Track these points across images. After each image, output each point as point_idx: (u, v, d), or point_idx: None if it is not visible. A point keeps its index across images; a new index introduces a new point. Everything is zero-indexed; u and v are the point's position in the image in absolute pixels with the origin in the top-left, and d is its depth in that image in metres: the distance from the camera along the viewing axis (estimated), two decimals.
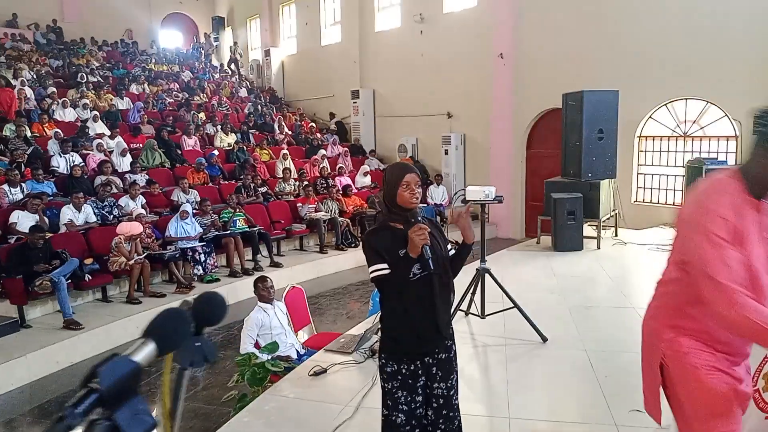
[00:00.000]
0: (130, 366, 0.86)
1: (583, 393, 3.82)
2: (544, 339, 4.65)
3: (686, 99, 9.44)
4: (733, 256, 1.77)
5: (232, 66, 20.27)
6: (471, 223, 2.42)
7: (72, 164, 9.14)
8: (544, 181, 8.80)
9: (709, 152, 9.24)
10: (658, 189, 10.08)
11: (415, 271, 2.28)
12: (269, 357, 4.30)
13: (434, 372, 2.39)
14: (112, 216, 8.22)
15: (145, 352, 0.92)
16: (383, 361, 2.40)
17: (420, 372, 2.36)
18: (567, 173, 8.44)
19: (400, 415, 2.34)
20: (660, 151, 10.02)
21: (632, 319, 5.21)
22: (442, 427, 2.40)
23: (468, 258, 2.50)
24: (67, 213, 7.63)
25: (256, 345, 4.64)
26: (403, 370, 2.34)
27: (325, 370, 4.14)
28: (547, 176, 9.33)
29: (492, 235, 12.03)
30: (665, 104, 9.71)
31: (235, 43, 21.44)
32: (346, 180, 11.75)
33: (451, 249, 2.47)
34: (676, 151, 9.79)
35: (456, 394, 2.45)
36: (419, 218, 2.27)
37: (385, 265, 2.27)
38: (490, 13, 11.89)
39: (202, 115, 13.73)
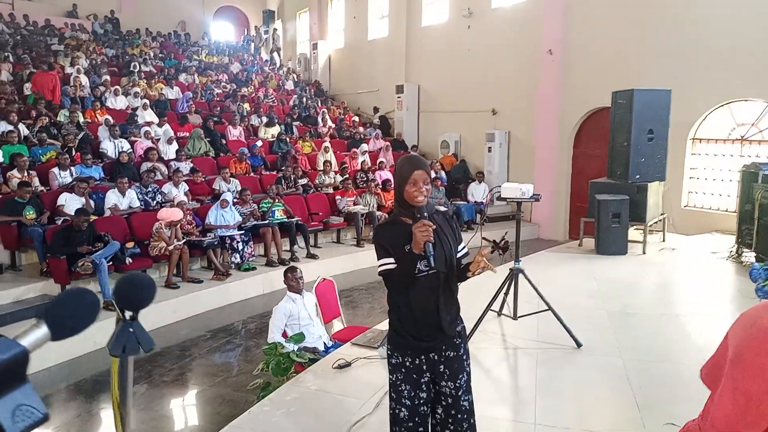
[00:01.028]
0: (14, 350, 0.76)
1: (616, 402, 3.65)
2: (579, 344, 4.47)
3: (745, 100, 8.96)
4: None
5: (273, 53, 20.75)
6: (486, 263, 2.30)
7: (120, 150, 9.40)
8: (589, 181, 8.51)
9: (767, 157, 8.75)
10: (711, 194, 9.61)
11: (421, 268, 2.25)
12: (295, 347, 4.29)
13: (441, 370, 2.34)
14: (155, 202, 8.40)
15: (35, 336, 0.83)
16: (389, 352, 2.39)
17: (425, 368, 2.32)
18: (613, 174, 8.13)
19: (403, 409, 2.31)
20: (715, 155, 9.55)
21: (674, 328, 4.97)
22: (451, 427, 2.33)
23: (499, 257, 2.44)
24: (112, 197, 7.84)
25: (284, 335, 4.64)
26: (407, 363, 2.32)
27: (349, 364, 4.09)
28: (594, 177, 9.02)
29: (534, 235, 11.77)
30: (722, 105, 9.24)
31: (275, 30, 22.08)
32: (386, 174, 11.68)
33: (463, 249, 2.41)
34: (732, 155, 9.31)
35: (466, 394, 2.37)
36: (426, 214, 2.21)
37: (392, 260, 2.25)
38: (539, 9, 11.59)
39: (246, 105, 13.92)
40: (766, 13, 8.39)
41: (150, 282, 1.10)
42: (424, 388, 2.32)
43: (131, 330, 0.99)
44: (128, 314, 1.03)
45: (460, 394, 2.34)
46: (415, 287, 2.26)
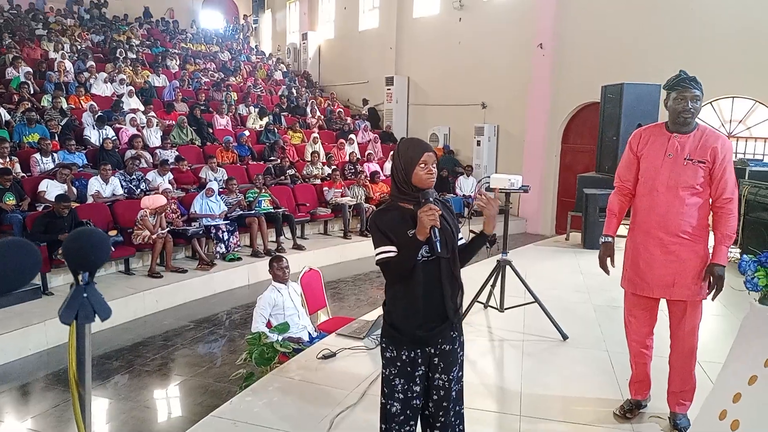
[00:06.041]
0: None
1: (602, 395, 3.63)
2: (565, 337, 4.46)
3: (733, 97, 9.00)
4: (623, 164, 3.22)
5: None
6: (497, 213, 2.25)
7: (104, 137, 9.24)
8: (578, 175, 8.51)
9: (754, 153, 8.80)
10: None
11: (423, 254, 2.14)
12: (280, 337, 4.23)
13: (436, 363, 2.25)
14: (139, 190, 8.27)
15: None
16: (383, 345, 2.27)
17: (420, 361, 2.22)
18: (602, 168, 8.12)
19: (395, 404, 2.22)
20: None
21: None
22: (442, 419, 2.26)
23: (486, 251, 2.35)
24: (95, 184, 7.71)
25: (268, 324, 4.58)
26: (403, 357, 2.21)
27: (334, 354, 4.04)
28: (582, 172, 9.03)
29: (520, 230, 11.78)
30: (710, 102, 9.27)
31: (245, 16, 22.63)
32: (374, 166, 11.63)
33: (461, 238, 2.32)
34: None
35: (456, 384, 2.30)
36: (431, 198, 2.10)
37: (393, 248, 2.12)
38: (531, 2, 11.56)
39: (233, 94, 13.76)
40: (751, 12, 8.41)
41: (102, 237, 1.00)
42: (418, 381, 2.23)
43: (85, 295, 0.90)
44: (82, 277, 0.95)
45: (452, 386, 2.27)
46: (417, 275, 2.14)
